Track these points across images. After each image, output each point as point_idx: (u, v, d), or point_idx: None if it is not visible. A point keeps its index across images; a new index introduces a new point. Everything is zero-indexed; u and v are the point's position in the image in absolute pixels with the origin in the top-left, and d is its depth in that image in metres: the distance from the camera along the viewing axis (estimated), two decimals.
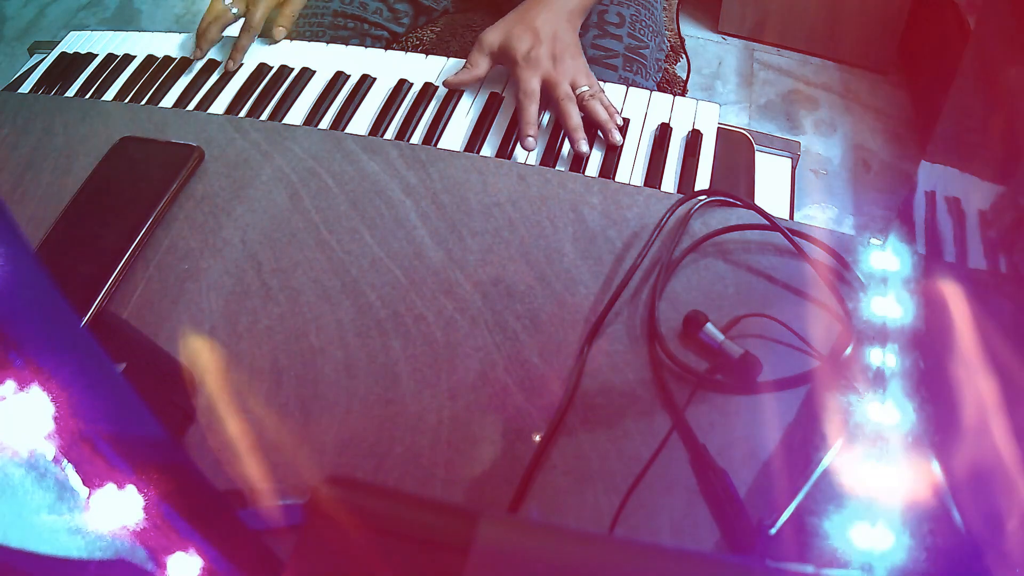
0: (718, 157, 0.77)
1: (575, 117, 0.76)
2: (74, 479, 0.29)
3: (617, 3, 0.93)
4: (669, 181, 0.75)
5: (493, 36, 0.81)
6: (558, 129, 0.79)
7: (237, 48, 0.89)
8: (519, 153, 0.78)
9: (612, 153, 0.77)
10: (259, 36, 0.93)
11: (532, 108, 0.77)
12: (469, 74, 0.82)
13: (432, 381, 0.58)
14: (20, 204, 0.73)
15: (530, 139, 0.76)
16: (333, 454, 0.55)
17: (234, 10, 0.89)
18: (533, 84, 0.77)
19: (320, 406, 0.58)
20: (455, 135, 0.81)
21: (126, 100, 0.87)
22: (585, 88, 0.78)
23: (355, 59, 0.89)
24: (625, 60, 0.90)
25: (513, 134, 0.79)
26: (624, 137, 0.78)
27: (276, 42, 0.91)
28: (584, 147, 0.76)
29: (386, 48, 0.98)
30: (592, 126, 0.78)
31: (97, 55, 0.95)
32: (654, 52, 0.94)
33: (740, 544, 0.50)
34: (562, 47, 0.79)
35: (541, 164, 0.77)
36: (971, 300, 0.47)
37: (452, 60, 0.87)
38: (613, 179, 0.74)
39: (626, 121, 0.80)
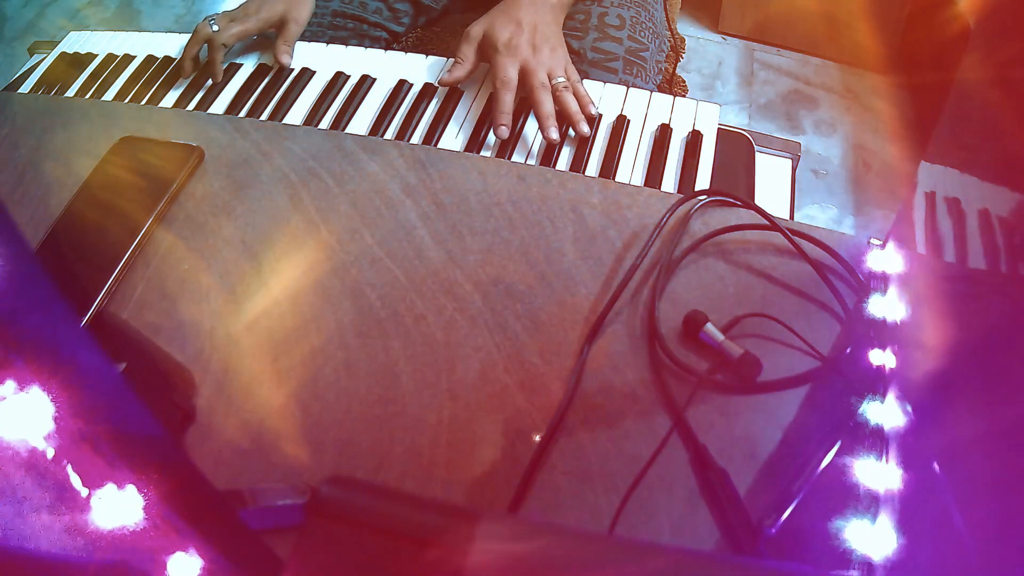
0: (718, 157, 0.77)
1: (547, 105, 0.78)
2: (74, 479, 0.29)
3: (617, 5, 0.93)
4: (669, 181, 0.75)
5: (478, 28, 0.83)
6: None
7: (209, 63, 0.89)
8: (519, 153, 0.78)
9: (612, 153, 0.77)
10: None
11: (507, 97, 0.78)
12: (461, 69, 0.83)
13: (432, 381, 0.58)
14: (20, 204, 0.73)
15: (503, 128, 0.77)
16: (333, 454, 0.55)
17: (215, 27, 0.88)
18: (511, 72, 0.78)
19: (320, 406, 0.58)
20: (455, 135, 0.81)
21: (126, 100, 0.87)
22: (560, 79, 0.79)
23: (355, 59, 0.89)
24: (625, 63, 0.90)
25: (513, 133, 0.79)
26: (593, 129, 0.79)
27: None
28: (553, 134, 0.77)
29: (386, 48, 0.98)
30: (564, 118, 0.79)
31: (97, 55, 0.95)
32: (654, 54, 0.94)
33: (740, 544, 0.50)
34: (542, 38, 0.80)
35: (541, 164, 0.77)
36: (971, 300, 0.47)
37: (452, 60, 0.87)
38: (613, 179, 0.74)
39: (626, 121, 0.80)
